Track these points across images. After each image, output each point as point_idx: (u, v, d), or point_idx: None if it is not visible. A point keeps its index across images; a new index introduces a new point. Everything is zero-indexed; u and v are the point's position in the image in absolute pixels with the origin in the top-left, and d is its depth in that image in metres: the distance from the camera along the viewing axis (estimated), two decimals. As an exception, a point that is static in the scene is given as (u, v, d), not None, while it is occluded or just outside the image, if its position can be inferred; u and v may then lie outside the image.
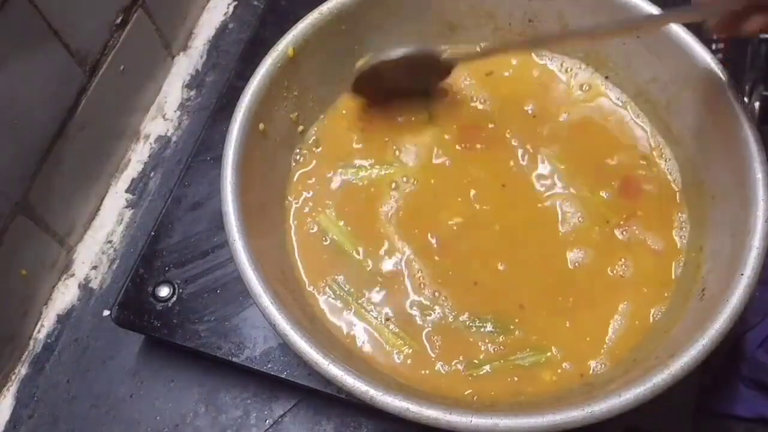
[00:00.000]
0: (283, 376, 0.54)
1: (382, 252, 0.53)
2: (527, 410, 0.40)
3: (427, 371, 0.48)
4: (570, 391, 0.47)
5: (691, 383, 0.50)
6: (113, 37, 0.63)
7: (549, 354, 0.49)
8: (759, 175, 0.45)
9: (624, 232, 0.53)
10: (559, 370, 0.48)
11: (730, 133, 0.48)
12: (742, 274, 0.43)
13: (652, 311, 0.50)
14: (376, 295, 0.51)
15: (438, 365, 0.49)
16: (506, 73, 0.60)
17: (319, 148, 0.57)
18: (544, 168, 0.56)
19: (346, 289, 0.52)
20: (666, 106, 0.55)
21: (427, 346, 0.49)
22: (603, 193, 0.55)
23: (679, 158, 0.55)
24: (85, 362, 0.61)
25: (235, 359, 0.55)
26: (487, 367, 0.48)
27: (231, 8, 0.78)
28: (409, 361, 0.49)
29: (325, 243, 0.53)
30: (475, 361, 0.49)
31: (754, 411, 0.59)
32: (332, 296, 0.51)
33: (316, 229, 0.54)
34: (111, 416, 0.58)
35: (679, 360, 0.41)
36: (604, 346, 0.49)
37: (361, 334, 0.50)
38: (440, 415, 0.40)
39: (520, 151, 0.56)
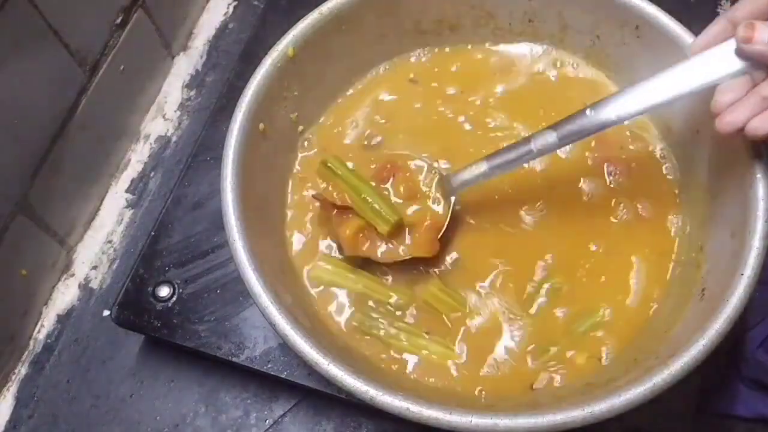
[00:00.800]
0: (283, 376, 0.54)
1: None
2: (527, 410, 0.40)
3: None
4: (574, 389, 0.47)
5: (691, 383, 0.50)
6: (113, 37, 0.63)
7: (600, 313, 0.49)
8: (759, 175, 0.45)
9: (625, 234, 0.53)
10: (603, 345, 0.49)
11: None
12: (742, 274, 0.43)
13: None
14: (408, 316, 0.50)
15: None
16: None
17: (317, 150, 0.57)
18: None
19: (374, 318, 0.49)
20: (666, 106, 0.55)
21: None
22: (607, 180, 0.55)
23: (679, 158, 0.55)
24: (85, 362, 0.61)
25: (235, 359, 0.54)
26: (554, 348, 0.48)
27: (231, 8, 0.78)
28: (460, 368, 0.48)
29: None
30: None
31: (754, 411, 0.59)
32: (358, 328, 0.49)
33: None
34: (111, 416, 0.58)
35: (679, 360, 0.41)
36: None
37: (402, 360, 0.48)
38: (440, 415, 0.40)
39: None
